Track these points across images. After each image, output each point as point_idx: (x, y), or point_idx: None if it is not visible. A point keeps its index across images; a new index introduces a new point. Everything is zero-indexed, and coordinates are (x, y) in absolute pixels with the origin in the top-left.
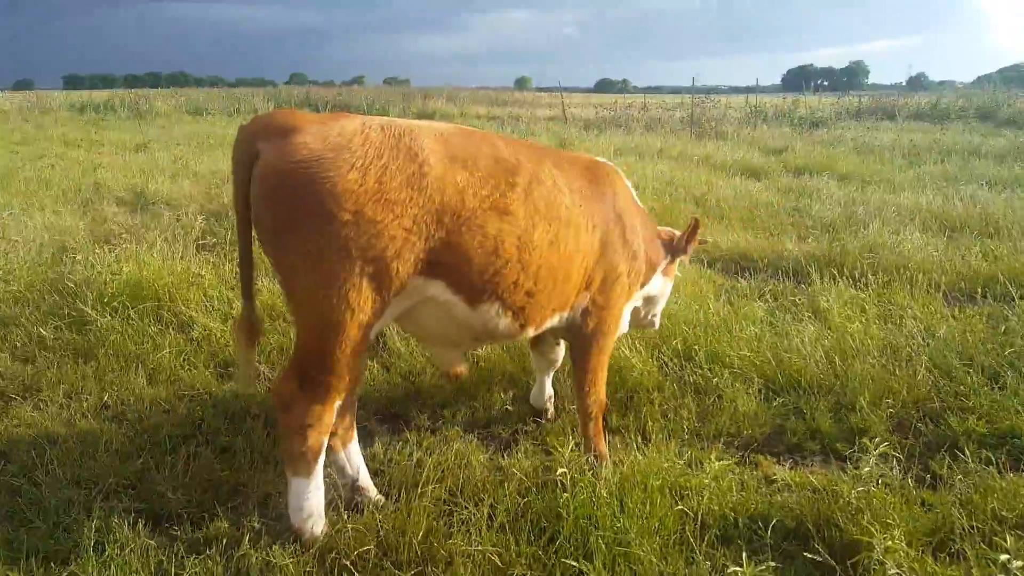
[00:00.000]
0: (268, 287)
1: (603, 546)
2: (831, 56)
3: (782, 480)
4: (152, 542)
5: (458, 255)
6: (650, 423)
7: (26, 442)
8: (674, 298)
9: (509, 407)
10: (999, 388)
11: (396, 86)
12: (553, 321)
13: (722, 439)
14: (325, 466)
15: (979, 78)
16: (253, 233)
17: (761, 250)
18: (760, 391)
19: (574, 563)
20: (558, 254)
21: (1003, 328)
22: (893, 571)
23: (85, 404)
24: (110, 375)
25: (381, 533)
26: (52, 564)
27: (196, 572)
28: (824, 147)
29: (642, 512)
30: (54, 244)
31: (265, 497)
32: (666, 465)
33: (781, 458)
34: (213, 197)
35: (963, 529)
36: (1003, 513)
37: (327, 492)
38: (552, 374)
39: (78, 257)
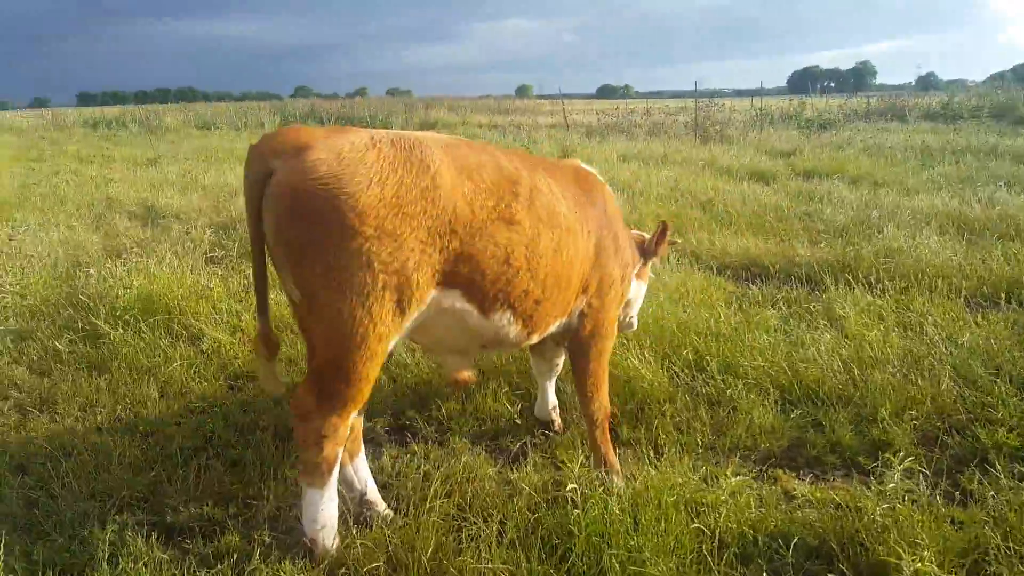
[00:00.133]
0: (274, 299)
1: (616, 565)
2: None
3: (802, 496)
4: (165, 556)
5: (471, 265)
6: (662, 436)
7: (43, 455)
8: (683, 307)
9: (517, 419)
10: None
11: (398, 97)
12: (553, 327)
13: (738, 453)
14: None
15: (991, 76)
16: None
17: (772, 256)
18: (776, 402)
19: None
20: (561, 261)
21: None
22: None
23: (99, 417)
24: (123, 388)
25: (390, 549)
26: None
27: None
28: (833, 149)
29: (656, 529)
30: (68, 259)
31: (275, 511)
32: (680, 480)
33: (801, 473)
34: (221, 210)
35: (998, 549)
36: None
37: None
38: (554, 381)
39: (91, 271)
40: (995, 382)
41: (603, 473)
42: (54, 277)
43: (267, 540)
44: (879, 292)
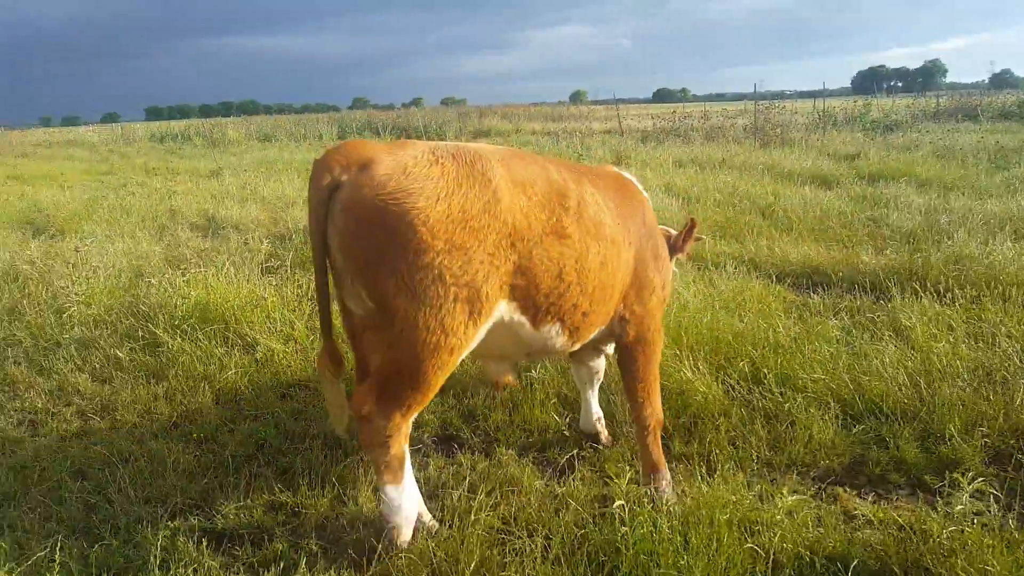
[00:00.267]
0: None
1: None
2: (904, 56)
3: (863, 516)
4: (215, 562)
5: (528, 278)
6: (716, 451)
7: (101, 460)
8: (740, 316)
9: (565, 431)
10: None
11: (452, 106)
12: (594, 335)
13: (796, 470)
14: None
15: None
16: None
17: (835, 263)
18: (837, 417)
19: None
20: (607, 273)
21: None
22: None
23: (156, 423)
24: (180, 395)
25: (434, 562)
26: None
27: None
28: (900, 152)
29: (708, 549)
30: (132, 269)
31: (323, 520)
32: (734, 498)
33: (862, 491)
34: (278, 220)
35: None
36: None
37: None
38: (596, 390)
39: (152, 281)
40: None
41: (653, 481)
42: (117, 287)
43: (314, 548)
44: (948, 301)
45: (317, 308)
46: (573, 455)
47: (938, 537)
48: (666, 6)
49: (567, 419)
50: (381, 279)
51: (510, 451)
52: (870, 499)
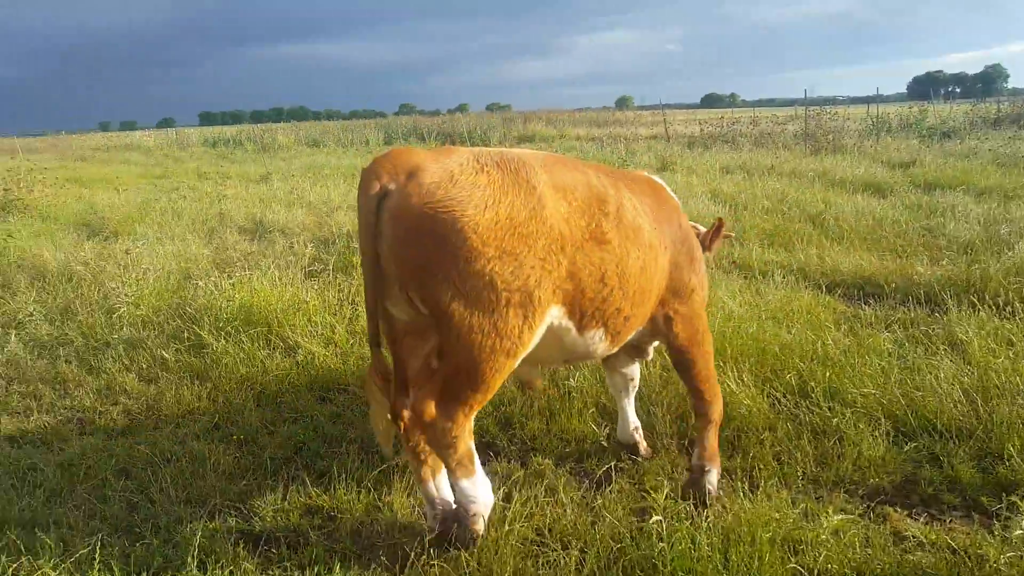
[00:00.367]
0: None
1: None
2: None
3: (914, 537)
4: (251, 564)
5: (575, 283)
6: (760, 466)
7: (145, 460)
8: (788, 327)
9: (604, 442)
10: None
11: (498, 111)
12: (630, 336)
13: (843, 487)
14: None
15: None
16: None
17: (888, 274)
18: (888, 434)
19: None
20: (646, 278)
21: None
22: None
23: (199, 424)
24: (222, 396)
25: (467, 571)
26: None
27: None
28: (958, 159)
29: (749, 568)
30: (180, 271)
31: (358, 524)
32: (777, 515)
33: (913, 512)
34: (323, 225)
35: None
36: None
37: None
38: (633, 397)
39: (200, 283)
40: None
41: (706, 474)
42: (166, 288)
43: (348, 553)
44: (1008, 315)
45: (367, 321)
46: (611, 467)
47: (995, 563)
48: (717, 10)
49: (605, 429)
50: (434, 286)
51: (547, 460)
52: (922, 520)
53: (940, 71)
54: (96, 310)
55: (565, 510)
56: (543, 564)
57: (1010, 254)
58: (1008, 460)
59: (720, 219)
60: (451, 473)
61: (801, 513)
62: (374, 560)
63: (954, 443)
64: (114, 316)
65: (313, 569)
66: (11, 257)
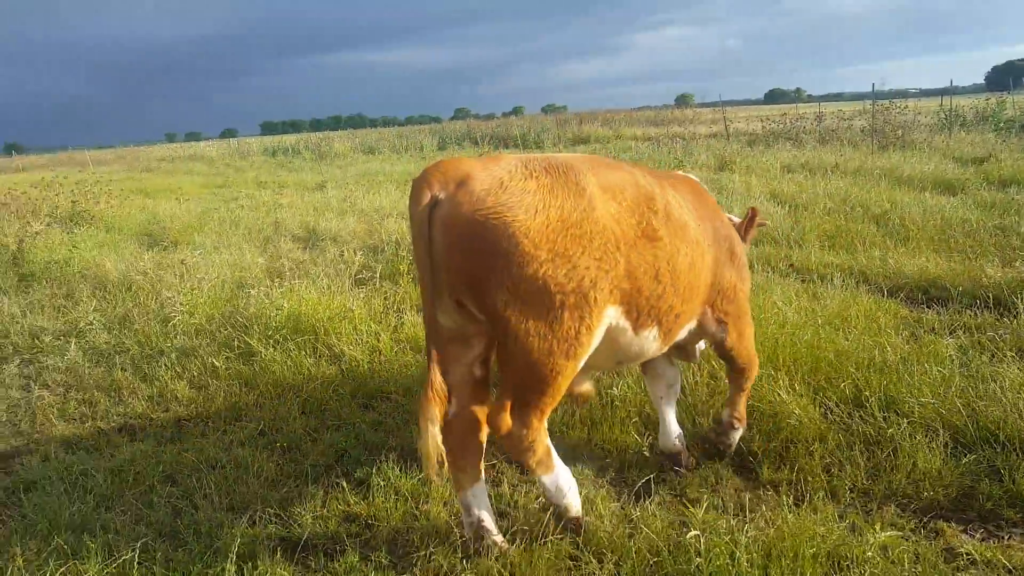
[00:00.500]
0: (411, 320)
1: None
2: None
3: (968, 554)
4: (287, 572)
5: (631, 283)
6: (809, 479)
7: (191, 466)
8: (845, 333)
9: (646, 452)
10: None
11: (553, 113)
12: (679, 336)
13: (896, 501)
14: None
15: None
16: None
17: (955, 276)
18: (946, 445)
19: None
20: (694, 274)
21: None
22: None
23: (245, 431)
24: (268, 403)
25: None
26: None
27: None
28: None
29: None
30: (234, 280)
31: (394, 533)
32: (822, 530)
33: (969, 527)
34: (374, 232)
35: None
36: None
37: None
38: (674, 404)
39: (252, 292)
40: None
41: (731, 429)
42: (220, 297)
43: (384, 563)
44: None
45: (427, 332)
46: (652, 478)
47: None
48: (778, 3)
49: (648, 439)
50: (489, 292)
51: (587, 471)
52: (978, 536)
53: (1022, 59)
54: (152, 319)
55: (603, 521)
56: None
57: None
58: None
59: (753, 208)
60: (532, 473)
61: (848, 527)
62: (408, 571)
63: (1017, 455)
64: (169, 325)
65: None
66: (75, 267)
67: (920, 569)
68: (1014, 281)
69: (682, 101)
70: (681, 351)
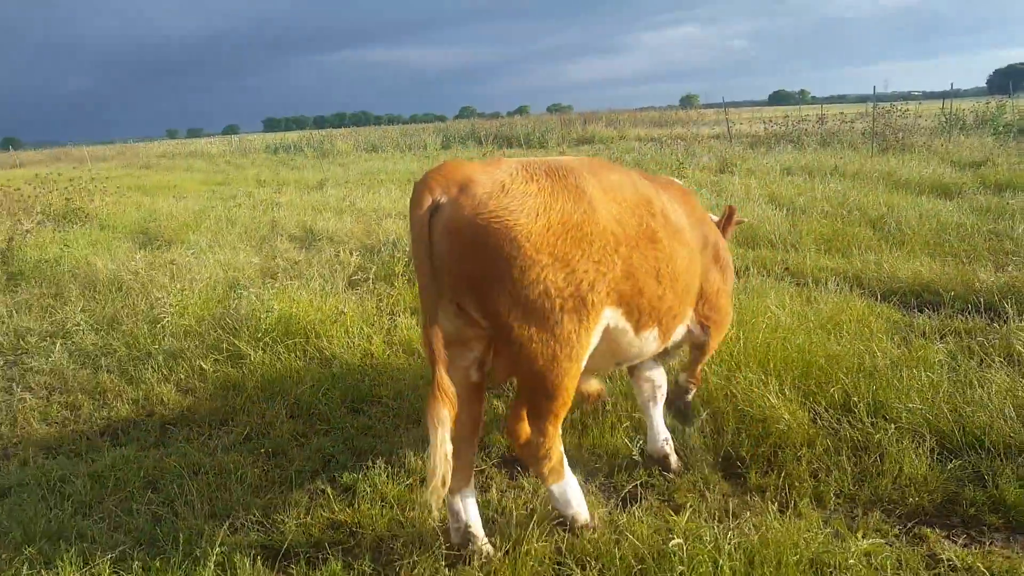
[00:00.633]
0: (405, 323)
1: None
2: None
3: (950, 560)
4: None
5: (632, 284)
6: (796, 484)
7: (173, 472)
8: (836, 338)
9: (636, 456)
10: None
11: (558, 113)
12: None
13: (881, 507)
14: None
15: None
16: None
17: (948, 280)
18: (932, 451)
19: None
20: (690, 275)
21: None
22: None
23: (231, 436)
24: (256, 407)
25: None
26: None
27: None
28: None
29: None
30: (227, 280)
31: (378, 541)
32: (806, 536)
33: (952, 533)
34: (371, 232)
35: None
36: None
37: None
38: (661, 406)
39: (243, 293)
40: None
41: (686, 389)
42: (211, 298)
43: (367, 571)
44: None
45: (426, 338)
46: (641, 482)
47: None
48: (784, 4)
49: (639, 443)
50: (491, 296)
51: (577, 476)
52: (960, 542)
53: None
54: (141, 320)
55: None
56: None
57: None
58: None
59: (730, 206)
60: (544, 481)
61: (832, 533)
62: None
63: (1000, 461)
64: (158, 326)
65: None
66: (66, 266)
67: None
68: (1005, 286)
69: (687, 102)
70: (664, 352)
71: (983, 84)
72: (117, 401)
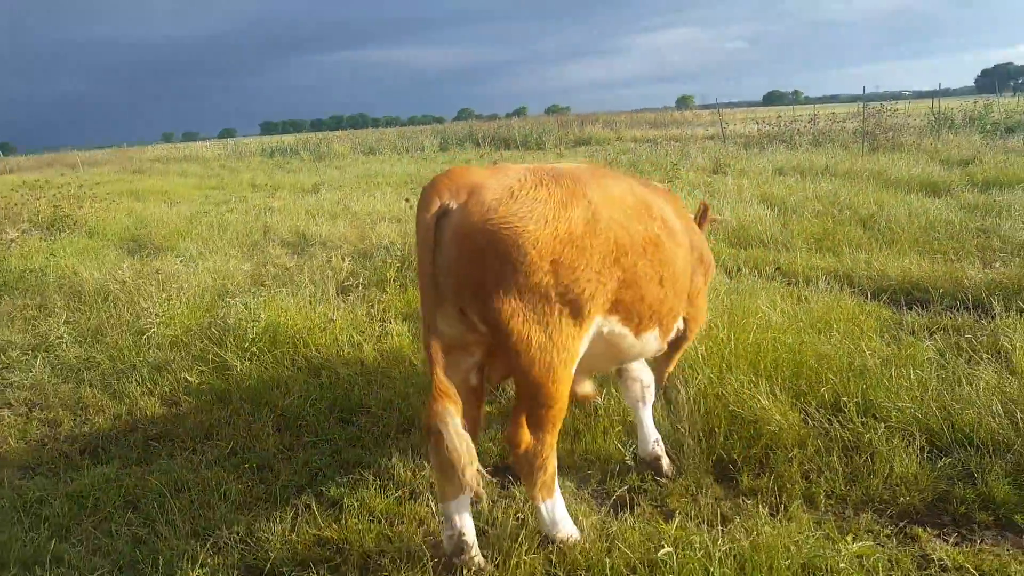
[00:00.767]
0: (396, 330)
1: None
2: None
3: (941, 559)
4: None
5: (634, 290)
6: (788, 486)
7: (155, 491)
8: (827, 337)
9: (629, 461)
10: None
11: (555, 114)
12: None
13: (873, 507)
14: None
15: None
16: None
17: (936, 278)
18: (922, 449)
19: None
20: (686, 276)
21: None
22: None
23: (215, 451)
24: (242, 420)
25: None
26: None
27: None
28: (1019, 156)
29: None
30: (216, 288)
31: (365, 557)
32: (798, 538)
33: (944, 531)
34: (365, 237)
35: None
36: None
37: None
38: (650, 406)
39: (232, 302)
40: None
41: (654, 390)
42: (199, 307)
43: None
44: None
45: (427, 341)
46: (635, 488)
47: None
48: (779, 6)
49: (632, 448)
50: (494, 302)
51: (569, 483)
52: (952, 540)
53: (1010, 63)
54: (127, 331)
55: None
56: None
57: None
58: None
59: (704, 203)
60: (535, 496)
61: (824, 536)
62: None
63: (990, 458)
64: (143, 337)
65: None
66: (51, 276)
67: None
68: (993, 282)
69: (683, 103)
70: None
71: (971, 83)
72: (99, 416)
